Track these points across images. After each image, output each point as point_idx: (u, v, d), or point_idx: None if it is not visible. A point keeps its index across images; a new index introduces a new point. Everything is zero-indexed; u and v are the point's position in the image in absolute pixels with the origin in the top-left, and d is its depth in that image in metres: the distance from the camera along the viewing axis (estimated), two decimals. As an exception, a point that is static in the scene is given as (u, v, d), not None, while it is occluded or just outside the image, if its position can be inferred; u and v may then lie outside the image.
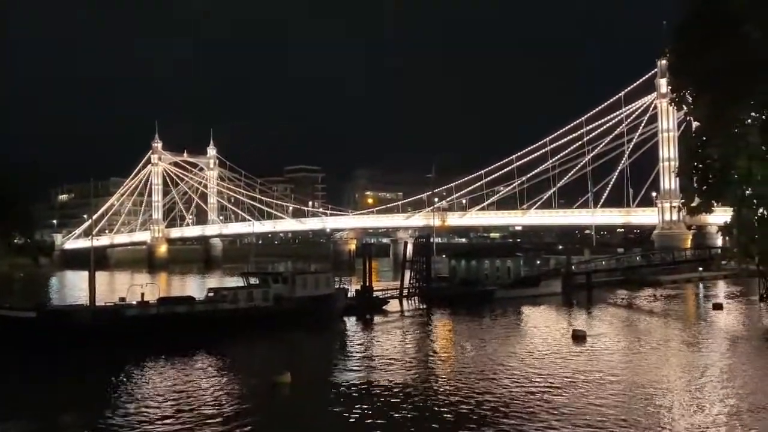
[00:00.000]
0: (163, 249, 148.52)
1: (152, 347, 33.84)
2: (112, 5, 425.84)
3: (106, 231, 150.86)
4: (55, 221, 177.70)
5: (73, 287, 77.84)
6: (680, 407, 23.23)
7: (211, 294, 44.53)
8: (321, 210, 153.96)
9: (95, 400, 24.56)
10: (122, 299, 42.34)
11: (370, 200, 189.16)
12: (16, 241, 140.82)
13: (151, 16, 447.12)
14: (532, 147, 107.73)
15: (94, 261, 50.61)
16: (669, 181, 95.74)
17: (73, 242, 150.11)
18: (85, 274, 57.24)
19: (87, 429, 20.70)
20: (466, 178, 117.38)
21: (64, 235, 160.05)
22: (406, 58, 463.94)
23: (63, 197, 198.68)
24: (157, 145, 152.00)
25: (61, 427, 19.46)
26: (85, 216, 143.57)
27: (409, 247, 63.88)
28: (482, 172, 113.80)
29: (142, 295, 40.95)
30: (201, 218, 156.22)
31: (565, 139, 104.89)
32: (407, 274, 59.50)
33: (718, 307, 52.64)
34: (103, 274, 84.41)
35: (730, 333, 41.29)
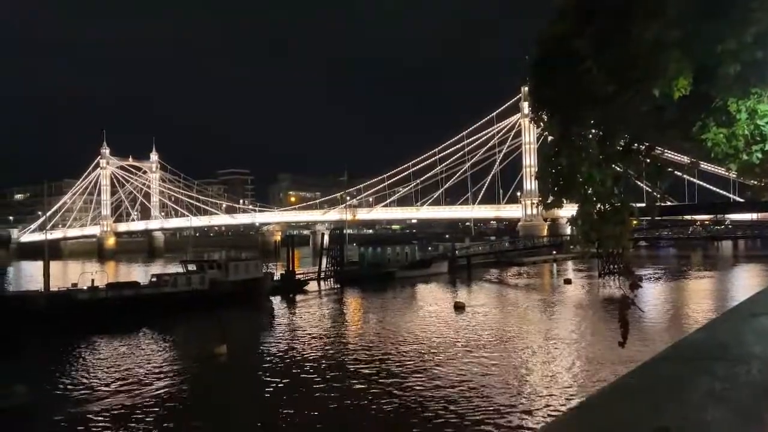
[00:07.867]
0: (111, 241, 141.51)
1: (102, 327, 32.14)
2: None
3: (60, 226, 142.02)
4: (11, 218, 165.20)
5: (29, 276, 72.50)
6: (538, 357, 24.42)
7: (154, 279, 42.70)
8: (251, 207, 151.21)
9: (49, 374, 23.12)
10: (74, 285, 39.97)
11: (292, 198, 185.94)
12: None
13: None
14: (424, 156, 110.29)
15: (48, 252, 47.52)
16: (530, 183, 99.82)
17: (29, 236, 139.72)
18: (40, 264, 53.25)
19: (41, 397, 19.48)
20: (372, 181, 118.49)
21: (20, 230, 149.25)
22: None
23: (19, 196, 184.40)
24: (105, 150, 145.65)
25: (16, 396, 18.17)
26: (39, 213, 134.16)
27: (326, 238, 63.85)
28: (385, 175, 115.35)
29: (93, 281, 39.01)
30: (145, 214, 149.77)
31: (450, 150, 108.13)
32: (324, 260, 59.25)
33: (568, 281, 55.40)
34: (56, 263, 78.91)
35: (577, 301, 43.61)
